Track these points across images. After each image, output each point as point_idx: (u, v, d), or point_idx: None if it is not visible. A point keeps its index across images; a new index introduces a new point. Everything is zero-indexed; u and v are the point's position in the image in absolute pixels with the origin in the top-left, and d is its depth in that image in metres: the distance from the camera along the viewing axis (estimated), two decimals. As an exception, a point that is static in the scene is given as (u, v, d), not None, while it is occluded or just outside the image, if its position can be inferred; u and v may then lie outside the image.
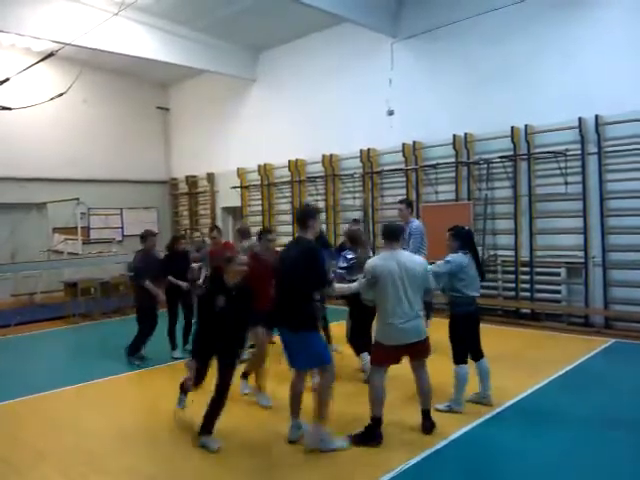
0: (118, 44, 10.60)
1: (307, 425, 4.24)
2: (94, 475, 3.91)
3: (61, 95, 6.27)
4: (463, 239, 4.85)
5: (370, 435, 4.17)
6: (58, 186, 12.83)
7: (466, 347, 4.79)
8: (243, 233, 6.81)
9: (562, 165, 8.23)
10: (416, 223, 6.74)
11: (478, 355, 4.91)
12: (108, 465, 4.08)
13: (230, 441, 4.31)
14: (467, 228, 5.05)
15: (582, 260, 8.09)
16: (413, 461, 3.88)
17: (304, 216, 4.31)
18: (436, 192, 9.74)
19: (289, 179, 12.13)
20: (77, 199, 12.35)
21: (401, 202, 7.10)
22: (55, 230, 13.01)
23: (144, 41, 10.97)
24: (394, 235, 4.34)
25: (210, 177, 14.19)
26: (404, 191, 10.06)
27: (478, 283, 4.86)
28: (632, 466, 3.82)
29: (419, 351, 4.27)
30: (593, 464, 3.84)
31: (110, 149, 14.17)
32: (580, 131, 7.96)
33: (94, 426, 4.85)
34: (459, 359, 4.75)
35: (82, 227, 13.03)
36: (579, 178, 8.11)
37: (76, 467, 4.04)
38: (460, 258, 4.76)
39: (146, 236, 7.09)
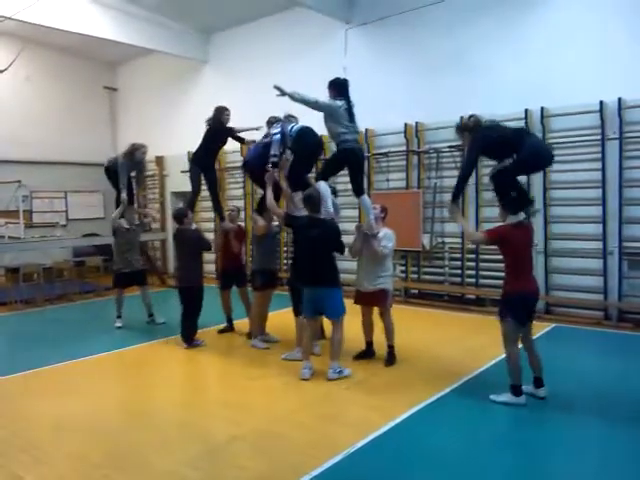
0: (63, 20, 10.17)
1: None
2: (34, 465, 3.80)
3: (1, 72, 6.02)
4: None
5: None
6: (-2, 167, 12.28)
7: None
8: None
9: (508, 155, 8.44)
10: None
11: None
12: (50, 454, 3.98)
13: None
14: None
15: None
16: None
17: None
18: (387, 180, 9.85)
19: (241, 164, 11.96)
20: (19, 181, 11.86)
21: None
22: (-5, 213, 12.47)
23: (91, 18, 10.57)
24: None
25: (159, 160, 13.86)
26: (356, 178, 10.12)
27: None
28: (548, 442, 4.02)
29: None
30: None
31: (54, 129, 13.60)
32: (526, 122, 8.19)
33: (36, 414, 4.72)
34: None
35: (24, 210, 12.53)
36: (524, 168, 8.34)
37: (15, 455, 3.93)
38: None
39: None
